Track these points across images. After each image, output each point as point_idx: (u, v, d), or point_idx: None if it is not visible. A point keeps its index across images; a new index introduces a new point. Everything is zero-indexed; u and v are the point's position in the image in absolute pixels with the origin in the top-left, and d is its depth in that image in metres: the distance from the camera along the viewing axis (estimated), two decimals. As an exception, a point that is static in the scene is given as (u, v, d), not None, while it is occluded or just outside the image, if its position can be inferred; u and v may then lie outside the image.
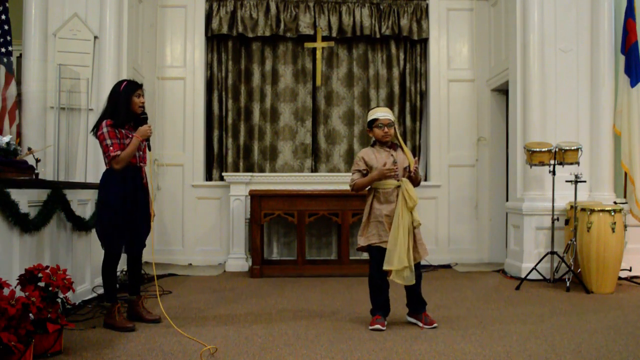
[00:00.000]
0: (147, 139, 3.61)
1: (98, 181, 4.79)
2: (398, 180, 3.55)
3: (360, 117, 6.89)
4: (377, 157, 3.60)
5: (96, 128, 3.54)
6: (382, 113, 3.60)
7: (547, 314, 4.03)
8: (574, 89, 5.63)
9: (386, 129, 3.58)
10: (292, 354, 3.03)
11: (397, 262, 3.45)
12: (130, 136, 3.53)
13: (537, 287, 5.07)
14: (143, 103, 3.62)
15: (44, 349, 2.88)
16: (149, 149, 3.67)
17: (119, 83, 3.64)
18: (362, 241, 3.65)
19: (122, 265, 4.86)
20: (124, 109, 3.52)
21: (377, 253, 3.58)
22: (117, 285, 3.74)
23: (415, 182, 3.64)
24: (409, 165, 3.60)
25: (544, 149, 5.12)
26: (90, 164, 5.17)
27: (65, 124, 5.14)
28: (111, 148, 3.44)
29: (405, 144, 4.04)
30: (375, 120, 3.59)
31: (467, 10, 6.82)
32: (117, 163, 3.47)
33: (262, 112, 6.83)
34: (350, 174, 3.71)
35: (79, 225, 4.11)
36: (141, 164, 3.64)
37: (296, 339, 3.32)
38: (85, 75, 5.21)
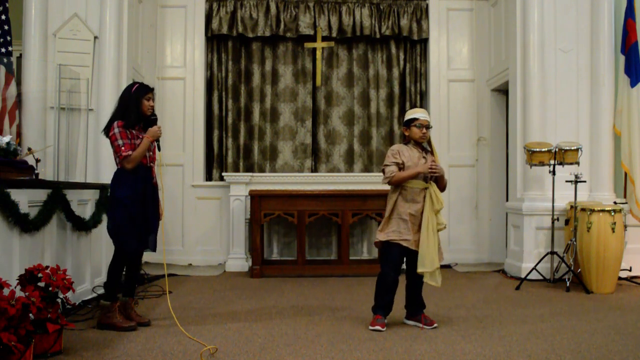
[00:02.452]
0: (157, 140, 3.67)
1: (98, 181, 4.84)
2: (427, 182, 3.59)
3: (360, 117, 6.89)
4: (410, 155, 3.62)
5: (107, 128, 3.60)
6: (422, 114, 3.63)
7: (547, 314, 4.03)
8: (574, 89, 5.63)
9: (424, 130, 3.62)
10: (292, 354, 3.03)
11: (429, 264, 3.47)
12: (141, 137, 3.60)
13: (537, 287, 5.07)
14: (152, 106, 3.69)
15: (44, 349, 2.88)
16: (159, 149, 3.73)
17: (131, 85, 3.71)
18: (381, 236, 3.63)
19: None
20: (134, 111, 3.59)
21: (396, 250, 3.58)
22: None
23: (441, 187, 3.65)
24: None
25: (544, 149, 5.12)
26: (90, 164, 5.17)
27: (65, 124, 5.13)
28: (123, 148, 3.50)
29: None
30: (414, 119, 3.61)
31: (467, 10, 6.82)
32: (128, 163, 3.53)
33: (262, 112, 6.83)
34: (382, 169, 3.70)
35: (79, 225, 4.11)
36: (151, 163, 3.70)
37: (296, 339, 3.32)
38: (85, 75, 5.20)
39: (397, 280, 3.60)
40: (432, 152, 3.71)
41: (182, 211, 6.59)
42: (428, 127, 3.63)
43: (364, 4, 6.76)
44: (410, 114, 3.66)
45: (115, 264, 3.64)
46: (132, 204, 3.53)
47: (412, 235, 3.55)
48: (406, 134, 3.69)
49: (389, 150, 3.69)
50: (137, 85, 3.68)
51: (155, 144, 3.69)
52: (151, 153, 3.69)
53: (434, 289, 4.87)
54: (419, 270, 3.50)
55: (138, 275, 3.91)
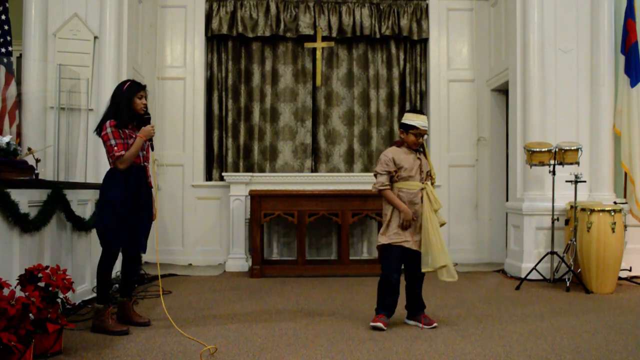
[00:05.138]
0: (150, 139, 3.62)
1: (98, 181, 4.83)
2: (423, 183, 3.63)
3: (360, 117, 6.89)
4: (406, 158, 3.64)
5: (100, 128, 3.54)
6: (422, 123, 3.62)
7: (547, 314, 4.03)
8: (574, 89, 5.63)
9: (420, 139, 3.65)
10: (292, 354, 3.03)
11: (431, 262, 3.52)
12: (134, 136, 3.54)
13: (537, 287, 5.07)
14: (145, 104, 3.63)
15: (44, 349, 2.88)
16: (152, 149, 3.68)
17: (122, 83, 3.65)
18: (383, 240, 3.65)
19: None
20: (126, 109, 3.52)
21: (397, 252, 3.59)
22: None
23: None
24: (430, 171, 3.70)
25: (544, 149, 5.12)
26: (90, 164, 5.17)
27: (65, 124, 5.13)
28: (115, 148, 3.45)
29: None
30: (414, 127, 3.61)
31: (467, 10, 6.82)
32: (121, 163, 3.47)
33: (262, 112, 6.83)
34: (374, 173, 3.72)
35: (79, 225, 4.11)
36: (145, 163, 3.65)
37: (296, 339, 3.32)
38: (85, 75, 5.20)
39: (399, 281, 3.62)
40: (424, 153, 3.74)
41: (182, 211, 6.59)
42: (424, 136, 3.67)
43: (364, 4, 6.76)
44: (411, 120, 3.63)
45: (102, 266, 3.54)
46: (122, 206, 3.46)
47: (412, 236, 3.60)
48: (402, 136, 3.70)
49: (382, 155, 3.69)
50: (128, 83, 3.61)
51: (149, 143, 3.62)
52: (144, 152, 3.63)
53: (434, 289, 4.87)
54: (423, 269, 3.54)
55: (136, 276, 3.88)
